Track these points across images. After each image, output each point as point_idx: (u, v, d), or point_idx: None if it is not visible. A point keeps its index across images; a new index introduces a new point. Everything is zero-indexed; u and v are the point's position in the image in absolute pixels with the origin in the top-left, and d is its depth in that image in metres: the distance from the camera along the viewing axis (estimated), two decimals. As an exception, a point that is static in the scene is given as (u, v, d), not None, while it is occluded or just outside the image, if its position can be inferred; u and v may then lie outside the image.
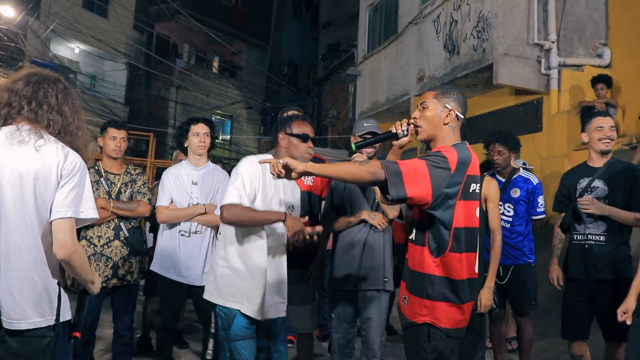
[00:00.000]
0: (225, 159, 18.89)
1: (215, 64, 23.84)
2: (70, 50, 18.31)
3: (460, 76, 9.10)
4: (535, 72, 8.42)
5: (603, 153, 3.70)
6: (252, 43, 24.07)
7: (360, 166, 2.26)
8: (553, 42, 8.31)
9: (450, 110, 2.47)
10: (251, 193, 2.97)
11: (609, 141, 3.67)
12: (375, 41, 13.10)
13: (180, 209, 3.88)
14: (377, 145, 3.15)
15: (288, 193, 3.22)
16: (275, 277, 3.10)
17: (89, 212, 2.12)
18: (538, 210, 4.45)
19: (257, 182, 3.02)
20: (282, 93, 23.55)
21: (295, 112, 3.58)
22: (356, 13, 14.61)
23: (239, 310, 2.98)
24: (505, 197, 4.37)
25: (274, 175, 2.35)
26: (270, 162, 2.38)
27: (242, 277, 3.00)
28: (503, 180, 4.43)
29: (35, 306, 2.06)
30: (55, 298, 2.12)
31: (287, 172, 2.31)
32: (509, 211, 4.37)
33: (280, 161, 2.33)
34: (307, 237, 2.94)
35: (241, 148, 22.06)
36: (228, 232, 3.09)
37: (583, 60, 8.46)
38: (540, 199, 4.45)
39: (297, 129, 3.13)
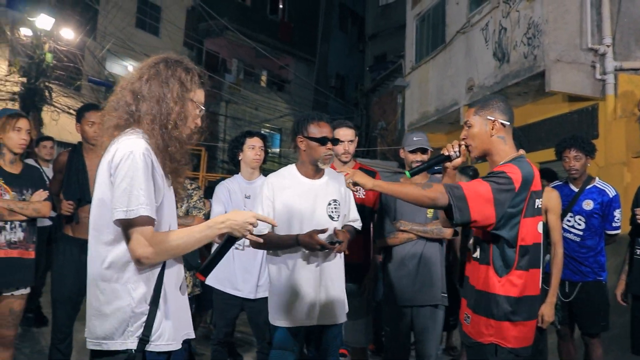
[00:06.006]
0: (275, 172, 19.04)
1: (264, 78, 24.17)
2: (124, 68, 18.90)
3: (510, 84, 8.92)
4: (589, 78, 8.17)
5: None
6: (299, 56, 24.29)
7: (421, 190, 2.29)
8: (608, 45, 8.04)
9: (494, 122, 2.46)
10: (268, 214, 3.07)
11: None
12: (423, 51, 13.01)
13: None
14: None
15: (326, 190, 3.17)
16: (320, 284, 3.07)
17: None
18: (614, 224, 4.11)
19: (272, 201, 3.09)
20: (329, 105, 23.61)
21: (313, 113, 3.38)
22: (402, 24, 14.56)
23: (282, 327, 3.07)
24: (576, 209, 4.09)
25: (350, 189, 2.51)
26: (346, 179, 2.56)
27: (282, 292, 3.07)
28: (576, 189, 4.14)
29: None
30: None
31: (358, 187, 2.47)
32: (579, 224, 4.08)
33: (349, 180, 2.51)
34: (326, 248, 2.94)
35: (290, 161, 22.20)
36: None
37: (641, 64, 8.16)
38: (617, 213, 4.10)
39: (315, 130, 3.07)
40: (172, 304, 1.97)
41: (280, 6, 24.51)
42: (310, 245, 2.92)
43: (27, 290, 3.60)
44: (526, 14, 8.66)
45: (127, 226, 1.83)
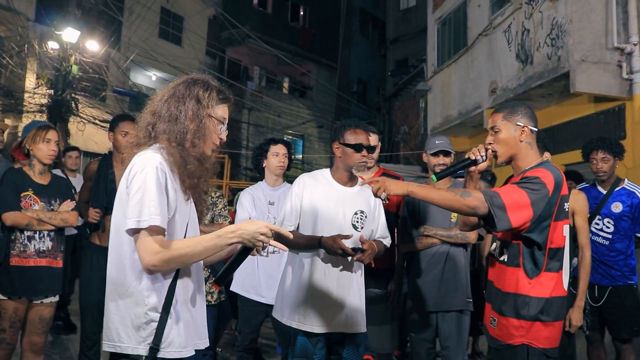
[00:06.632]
0: (298, 178, 19.03)
1: (286, 84, 24.28)
2: (147, 78, 19.16)
3: (534, 86, 8.83)
4: (615, 78, 8.04)
5: None
6: (321, 62, 24.33)
7: (460, 199, 2.31)
8: (635, 44, 7.91)
9: (523, 127, 2.50)
10: (295, 215, 3.11)
11: None
12: (445, 55, 12.95)
13: None
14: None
15: (355, 200, 3.16)
16: (338, 291, 3.05)
17: None
18: None
19: (300, 199, 3.11)
20: (352, 111, 23.61)
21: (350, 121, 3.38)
22: (424, 28, 14.52)
23: (300, 329, 3.02)
24: (604, 212, 4.01)
25: (380, 198, 2.45)
26: (372, 189, 2.46)
27: (301, 294, 3.04)
28: (604, 192, 4.06)
29: None
30: None
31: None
32: (608, 227, 3.99)
33: (384, 196, 2.45)
34: (347, 253, 2.89)
35: (313, 167, 22.21)
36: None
37: (669, 62, 7.99)
38: None
39: (351, 137, 3.10)
40: (183, 314, 2.01)
41: (301, 13, 24.60)
42: (331, 249, 2.90)
43: (56, 298, 3.66)
44: (549, 14, 8.57)
45: (137, 235, 1.88)
